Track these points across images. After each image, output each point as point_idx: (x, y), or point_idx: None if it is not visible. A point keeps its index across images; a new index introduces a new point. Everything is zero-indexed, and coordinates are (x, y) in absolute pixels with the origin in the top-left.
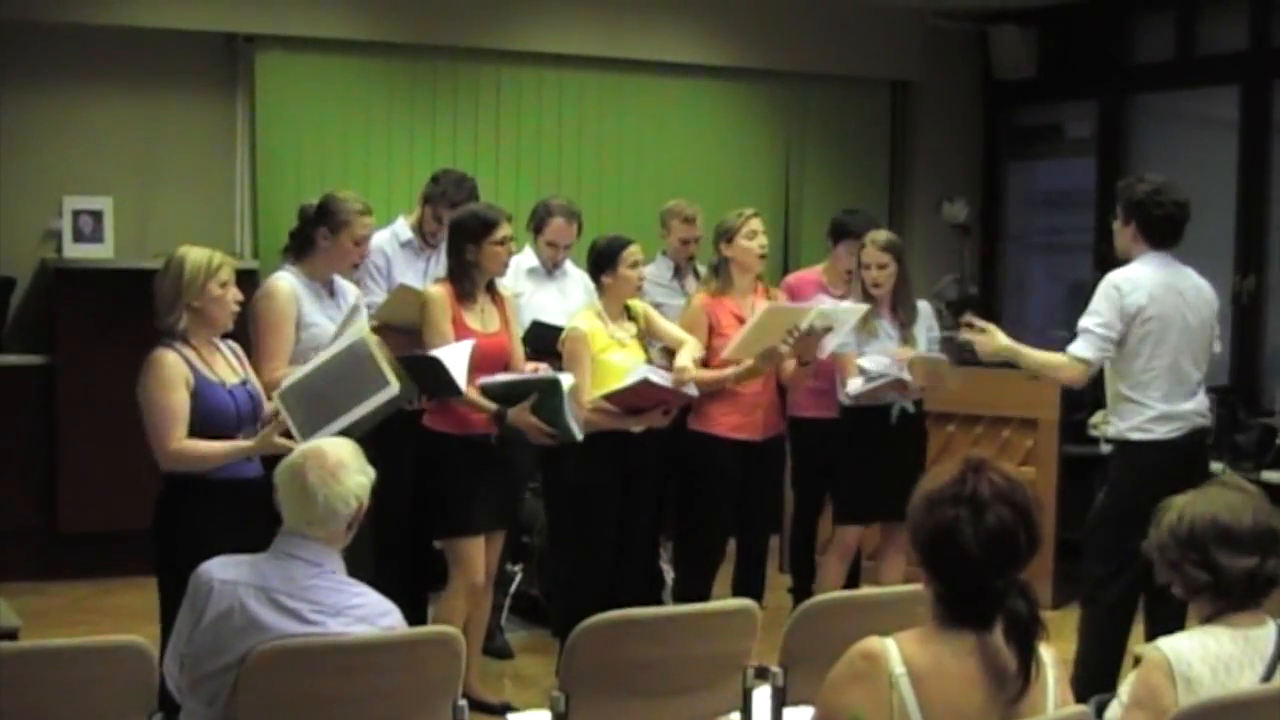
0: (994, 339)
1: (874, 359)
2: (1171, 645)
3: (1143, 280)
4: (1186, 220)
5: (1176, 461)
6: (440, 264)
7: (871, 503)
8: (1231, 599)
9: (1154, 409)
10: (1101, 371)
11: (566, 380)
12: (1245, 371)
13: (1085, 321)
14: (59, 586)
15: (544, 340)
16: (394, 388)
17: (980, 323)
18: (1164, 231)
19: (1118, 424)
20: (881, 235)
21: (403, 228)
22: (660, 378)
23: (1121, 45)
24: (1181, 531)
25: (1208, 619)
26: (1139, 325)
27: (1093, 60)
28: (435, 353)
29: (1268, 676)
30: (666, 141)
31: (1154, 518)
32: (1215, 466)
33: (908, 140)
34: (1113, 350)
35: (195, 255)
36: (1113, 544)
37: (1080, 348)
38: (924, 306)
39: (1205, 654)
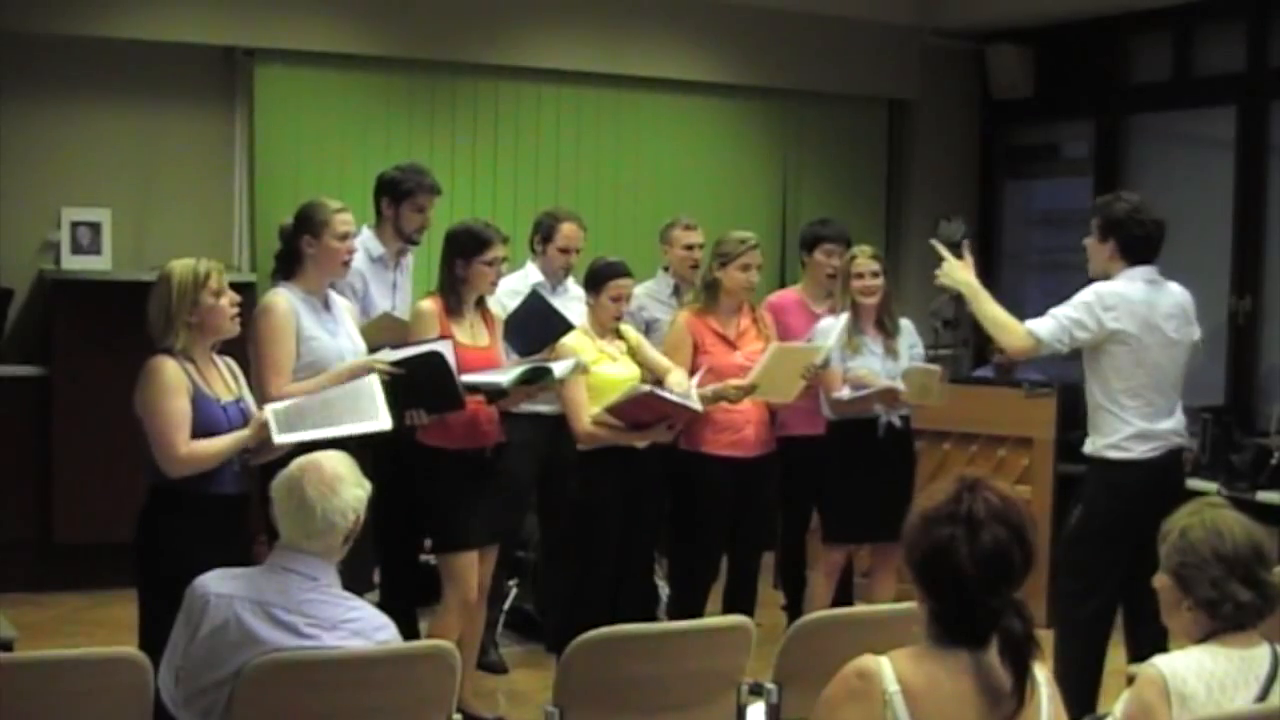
0: (957, 269)
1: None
2: (1168, 663)
3: (1128, 298)
4: (1163, 238)
5: (1153, 481)
6: (405, 277)
7: (862, 523)
8: (1242, 619)
9: (1133, 426)
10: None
11: (560, 367)
12: (1240, 391)
13: (1057, 309)
14: (54, 598)
15: (539, 310)
16: (385, 423)
17: (956, 256)
18: (1144, 249)
19: (1095, 440)
20: (868, 247)
21: (373, 243)
22: (665, 391)
23: (1118, 65)
24: (1226, 550)
25: (1204, 638)
26: (1119, 343)
27: (1090, 80)
28: (432, 345)
29: (1262, 696)
30: (664, 158)
31: (1160, 538)
32: (1209, 487)
33: (905, 159)
34: (1068, 344)
35: (180, 269)
36: (1087, 561)
37: (1039, 324)
38: (906, 324)
39: (1201, 672)
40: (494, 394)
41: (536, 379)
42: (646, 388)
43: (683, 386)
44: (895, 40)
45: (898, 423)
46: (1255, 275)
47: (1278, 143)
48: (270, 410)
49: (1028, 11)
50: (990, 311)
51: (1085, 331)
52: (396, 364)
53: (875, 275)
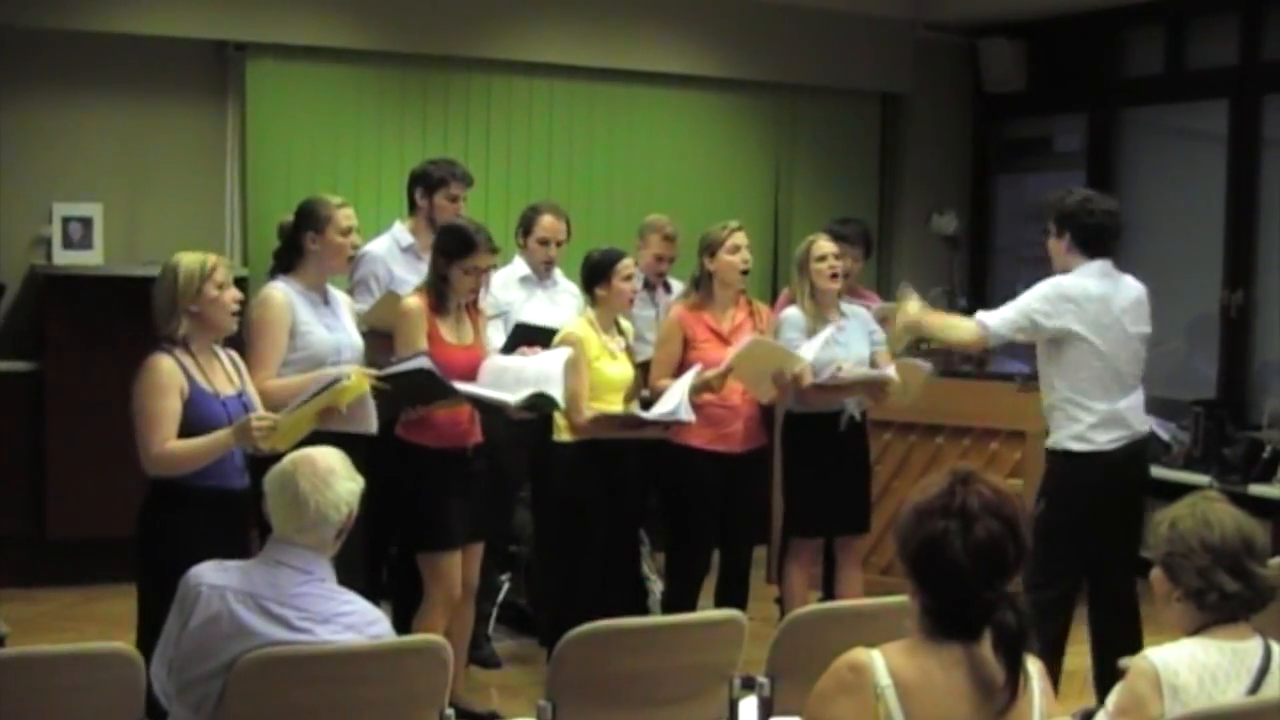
0: (905, 312)
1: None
2: (1160, 655)
3: (1087, 292)
4: (1119, 229)
5: (1115, 475)
6: None
7: (822, 517)
8: (1230, 610)
9: (1094, 415)
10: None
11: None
12: (1233, 385)
13: (1016, 300)
14: (46, 593)
15: (532, 341)
16: (372, 428)
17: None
18: (1098, 240)
19: (1057, 433)
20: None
21: (402, 233)
22: (649, 414)
23: (1111, 59)
24: (1213, 540)
25: (1196, 631)
26: (1078, 337)
27: (1082, 74)
28: (417, 363)
29: (1254, 689)
30: (656, 152)
31: (1151, 529)
32: (1202, 480)
33: (897, 153)
34: (1027, 332)
35: (188, 260)
36: (1045, 555)
37: (989, 316)
38: (862, 311)
39: (1193, 664)
40: (488, 408)
41: (540, 406)
42: (632, 412)
43: (673, 399)
44: (888, 34)
45: (858, 417)
46: (1247, 269)
47: (1270, 136)
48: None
49: (1020, 5)
50: (939, 324)
51: (1047, 320)
52: (383, 379)
53: (839, 257)
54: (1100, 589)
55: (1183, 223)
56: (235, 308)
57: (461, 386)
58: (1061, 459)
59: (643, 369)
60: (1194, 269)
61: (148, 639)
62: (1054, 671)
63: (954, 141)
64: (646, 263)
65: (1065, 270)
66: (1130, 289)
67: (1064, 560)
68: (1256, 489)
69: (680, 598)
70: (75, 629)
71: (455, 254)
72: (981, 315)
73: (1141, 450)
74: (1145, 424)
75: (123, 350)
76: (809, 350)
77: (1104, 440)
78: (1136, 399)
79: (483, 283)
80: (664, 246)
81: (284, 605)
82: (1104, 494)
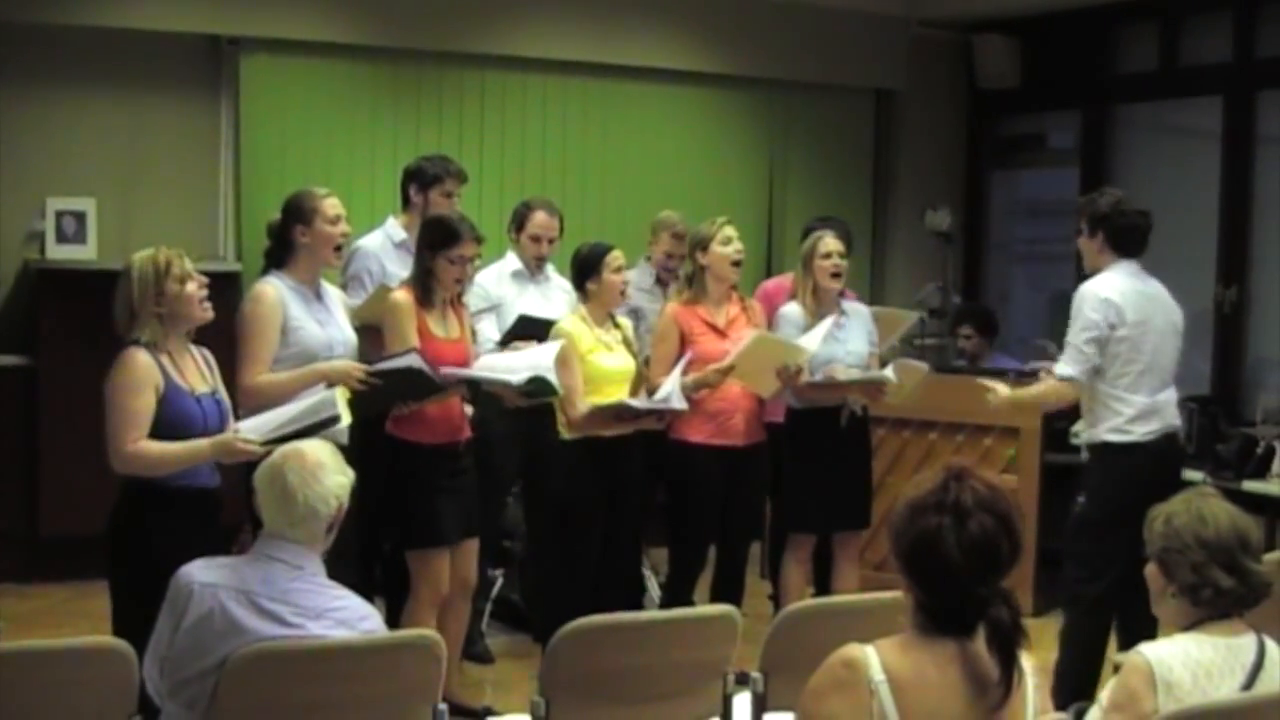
0: (1001, 394)
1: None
2: (1154, 650)
3: (1119, 286)
4: (1150, 229)
5: (1152, 466)
6: None
7: (822, 512)
8: (1224, 606)
9: (1133, 408)
10: None
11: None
12: (1226, 381)
13: (1069, 336)
14: (39, 589)
15: (534, 333)
16: (344, 422)
17: (992, 383)
18: (1131, 240)
19: (1096, 428)
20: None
21: (395, 229)
22: (640, 403)
23: (1105, 56)
24: (1208, 535)
25: (1190, 626)
26: (1120, 329)
27: (1076, 70)
28: (407, 360)
29: (1248, 685)
30: (650, 148)
31: (1146, 524)
32: (1196, 476)
33: (891, 149)
34: (1097, 358)
35: (140, 261)
36: (1091, 549)
37: (1064, 366)
38: (863, 309)
39: (1187, 660)
40: (486, 398)
41: (540, 392)
42: (624, 402)
43: (666, 388)
44: (882, 30)
45: (859, 412)
46: (1241, 265)
47: (1264, 133)
48: (240, 426)
49: (1014, 1)
50: (1036, 395)
51: (1103, 332)
52: (373, 374)
53: (843, 256)
54: (1125, 588)
55: (1177, 219)
56: (203, 294)
57: (462, 371)
58: (1101, 452)
59: (648, 363)
60: (1188, 265)
61: (123, 637)
62: (1096, 664)
63: (948, 138)
64: (657, 260)
65: (1096, 269)
66: (1157, 287)
67: (1107, 555)
68: (1250, 485)
69: (679, 592)
70: (68, 625)
71: (440, 244)
72: (1059, 369)
73: (1174, 443)
74: (1176, 418)
75: (116, 345)
76: (812, 339)
77: (1141, 432)
78: (1171, 394)
79: (467, 274)
80: (675, 244)
81: (276, 601)
82: (1144, 486)
